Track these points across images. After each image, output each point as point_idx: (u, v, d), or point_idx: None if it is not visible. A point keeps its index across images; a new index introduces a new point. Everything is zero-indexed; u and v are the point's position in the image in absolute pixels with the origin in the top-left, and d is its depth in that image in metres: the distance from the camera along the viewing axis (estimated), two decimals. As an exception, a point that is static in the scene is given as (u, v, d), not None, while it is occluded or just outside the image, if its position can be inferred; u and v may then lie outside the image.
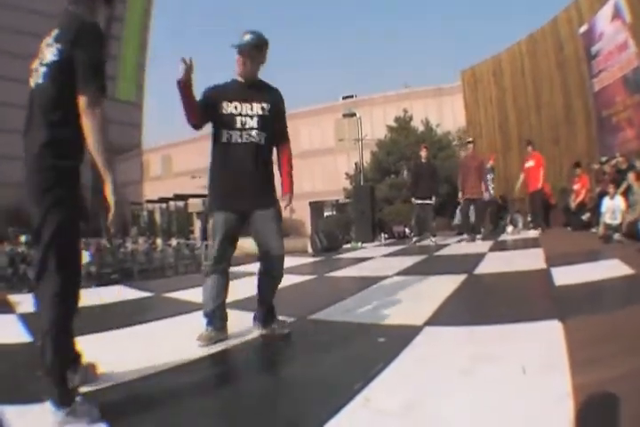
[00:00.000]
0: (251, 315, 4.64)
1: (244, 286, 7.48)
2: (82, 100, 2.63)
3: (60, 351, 2.63)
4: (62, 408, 2.57)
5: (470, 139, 15.41)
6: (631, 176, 10.32)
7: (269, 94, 4.59)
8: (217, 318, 4.38)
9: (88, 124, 2.62)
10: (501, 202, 17.37)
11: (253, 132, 4.40)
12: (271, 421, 2.67)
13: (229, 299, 6.38)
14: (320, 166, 52.87)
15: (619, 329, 3.67)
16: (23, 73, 3.15)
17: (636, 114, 14.32)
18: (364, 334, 4.36)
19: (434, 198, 13.88)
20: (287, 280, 6.72)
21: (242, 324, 4.78)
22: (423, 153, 14.44)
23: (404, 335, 3.98)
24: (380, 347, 3.86)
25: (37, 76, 2.77)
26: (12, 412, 2.73)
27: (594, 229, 11.48)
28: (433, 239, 13.75)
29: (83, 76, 2.65)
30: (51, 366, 2.59)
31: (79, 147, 2.74)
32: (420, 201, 13.99)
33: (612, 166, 12.46)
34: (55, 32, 2.80)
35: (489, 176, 15.54)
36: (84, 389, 2.96)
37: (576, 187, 14.32)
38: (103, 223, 2.81)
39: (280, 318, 4.61)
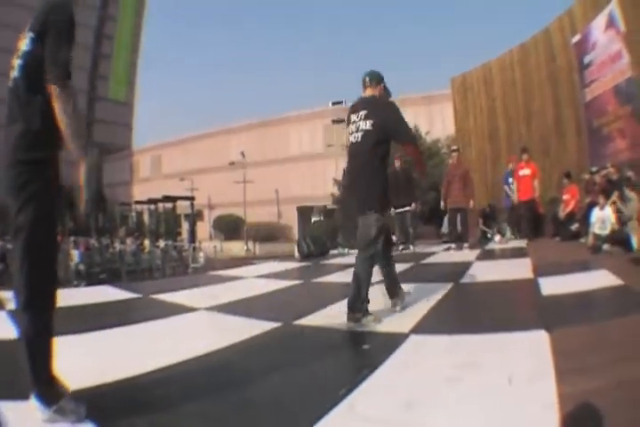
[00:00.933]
0: (238, 318, 4.61)
1: (229, 290, 7.48)
2: (50, 87, 2.57)
3: (44, 349, 2.61)
4: (49, 406, 2.56)
5: (455, 147, 15.33)
6: (626, 188, 10.34)
7: None
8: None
9: (58, 109, 2.55)
10: (489, 211, 17.27)
11: None
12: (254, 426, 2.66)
13: (215, 303, 6.38)
14: (309, 171, 52.87)
15: (605, 339, 3.67)
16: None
17: (628, 124, 14.32)
18: (349, 340, 4.37)
19: (413, 205, 13.93)
20: (273, 285, 6.67)
21: (230, 328, 4.77)
22: (397, 163, 14.40)
23: (389, 343, 3.97)
24: (365, 354, 3.87)
25: (14, 70, 2.75)
26: (7, 407, 2.74)
27: (582, 240, 11.49)
28: (411, 248, 13.77)
29: (48, 62, 2.59)
30: (36, 365, 2.58)
31: (54, 138, 2.66)
32: (398, 210, 14.01)
33: (602, 176, 12.47)
34: (31, 21, 2.77)
35: (510, 180, 15.46)
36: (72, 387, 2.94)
37: (565, 197, 14.32)
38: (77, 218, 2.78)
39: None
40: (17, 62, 2.73)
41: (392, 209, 14.06)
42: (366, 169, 5.15)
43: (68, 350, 2.93)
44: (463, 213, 13.60)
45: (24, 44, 2.71)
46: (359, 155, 5.24)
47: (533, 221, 14.73)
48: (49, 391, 2.60)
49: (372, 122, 5.07)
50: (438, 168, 30.35)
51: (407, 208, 13.81)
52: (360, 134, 5.15)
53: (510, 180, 15.37)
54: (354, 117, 5.29)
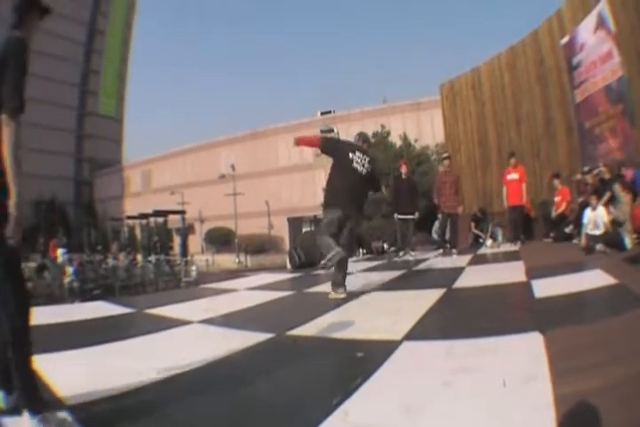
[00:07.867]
0: (232, 330, 4.59)
1: (222, 303, 7.44)
2: (2, 116, 2.76)
3: (27, 358, 2.75)
4: (34, 415, 2.66)
5: (446, 154, 15.56)
6: (617, 187, 10.28)
7: None
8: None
9: (4, 138, 2.73)
10: (480, 215, 17.28)
11: None
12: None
13: (209, 315, 6.35)
14: (299, 182, 52.98)
15: (599, 339, 3.65)
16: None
17: (619, 123, 14.31)
18: (342, 349, 4.32)
19: (416, 213, 14.02)
20: (266, 296, 6.61)
21: (223, 340, 4.75)
22: (403, 169, 14.58)
23: (382, 350, 3.93)
24: (358, 362, 3.82)
25: None
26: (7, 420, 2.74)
27: (575, 241, 11.48)
28: (412, 253, 13.79)
29: (4, 93, 2.78)
30: (21, 372, 2.70)
31: None
32: (402, 216, 14.05)
33: (594, 176, 12.47)
34: None
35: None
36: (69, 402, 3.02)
37: (557, 199, 14.36)
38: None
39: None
40: None
41: (395, 215, 14.14)
42: None
43: (64, 365, 2.92)
44: (454, 220, 13.70)
45: None
46: None
47: (525, 225, 14.80)
48: (34, 401, 2.71)
49: None
50: (428, 175, 30.35)
51: (411, 216, 13.85)
52: None
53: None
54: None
